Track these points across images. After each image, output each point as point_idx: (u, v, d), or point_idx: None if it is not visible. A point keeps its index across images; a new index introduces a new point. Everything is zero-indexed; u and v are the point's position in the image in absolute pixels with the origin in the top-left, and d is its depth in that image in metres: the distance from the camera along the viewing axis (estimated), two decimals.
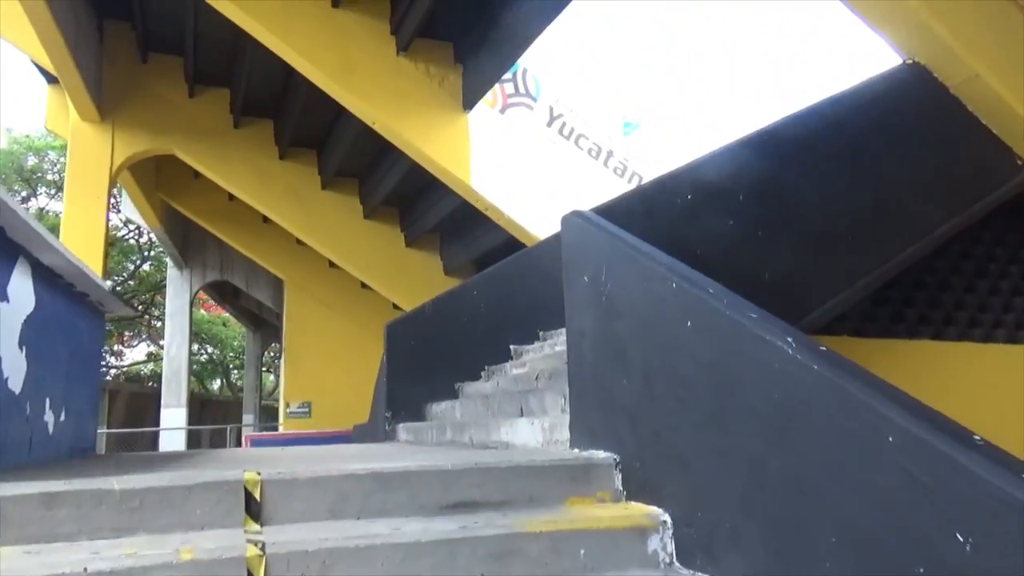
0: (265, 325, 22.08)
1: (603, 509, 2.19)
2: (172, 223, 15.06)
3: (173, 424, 16.25)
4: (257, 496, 2.00)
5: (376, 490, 2.09)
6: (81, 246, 9.34)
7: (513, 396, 4.00)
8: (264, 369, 28.34)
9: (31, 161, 19.81)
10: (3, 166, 19.20)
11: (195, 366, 26.90)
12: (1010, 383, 4.14)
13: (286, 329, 15.07)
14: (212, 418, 22.09)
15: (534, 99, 11.06)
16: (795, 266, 3.45)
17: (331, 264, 13.84)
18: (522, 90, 10.94)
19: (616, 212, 2.99)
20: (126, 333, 25.58)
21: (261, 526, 1.95)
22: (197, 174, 12.30)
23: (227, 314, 26.05)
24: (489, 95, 9.72)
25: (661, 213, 3.17)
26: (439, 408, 5.10)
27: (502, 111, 10.62)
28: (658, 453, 2.18)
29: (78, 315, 4.20)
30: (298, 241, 13.45)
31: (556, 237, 3.07)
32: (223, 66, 10.69)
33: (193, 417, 18.00)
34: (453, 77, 9.00)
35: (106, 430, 15.66)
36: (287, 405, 14.63)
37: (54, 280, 3.65)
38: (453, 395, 5.17)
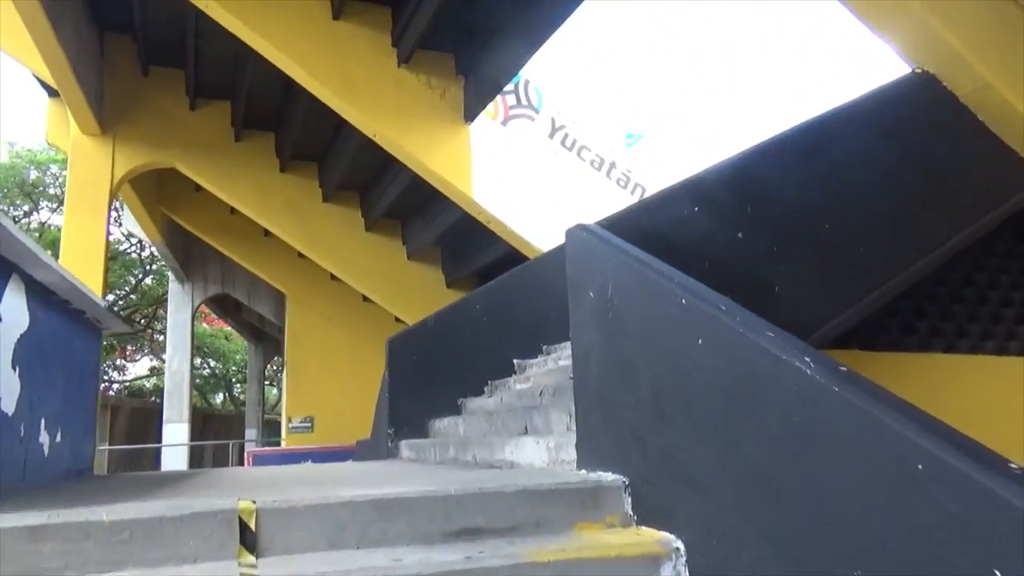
0: (267, 339, 22.02)
1: (613, 535, 2.11)
2: (173, 236, 15.03)
3: (175, 440, 16.15)
4: (252, 526, 1.92)
5: (376, 519, 2.00)
6: (82, 260, 9.32)
7: (517, 413, 3.92)
8: (267, 383, 28.27)
9: (33, 175, 19.81)
10: (5, 180, 19.20)
11: (198, 380, 26.86)
12: None
13: (288, 343, 15.00)
14: (215, 433, 22.00)
15: (536, 111, 11.02)
16: (805, 279, 3.37)
17: (333, 277, 13.78)
18: (524, 102, 10.90)
19: (621, 225, 2.91)
20: (129, 347, 25.53)
21: (256, 558, 1.87)
22: (198, 187, 12.28)
23: (229, 328, 25.98)
24: (491, 107, 9.69)
25: (667, 226, 3.10)
26: (442, 424, 5.02)
27: (504, 123, 10.59)
28: (669, 476, 2.10)
29: (74, 333, 4.13)
30: (299, 254, 13.41)
31: (559, 250, 3.01)
32: (224, 79, 10.68)
33: (196, 432, 17.91)
34: (455, 89, 8.97)
35: (108, 446, 15.58)
36: (289, 420, 14.53)
37: (49, 297, 3.58)
38: (456, 411, 5.09)
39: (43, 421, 3.52)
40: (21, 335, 3.21)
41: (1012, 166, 4.18)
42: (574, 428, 2.80)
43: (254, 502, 1.96)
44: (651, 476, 2.17)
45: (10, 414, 3.10)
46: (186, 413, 16.40)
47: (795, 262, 3.32)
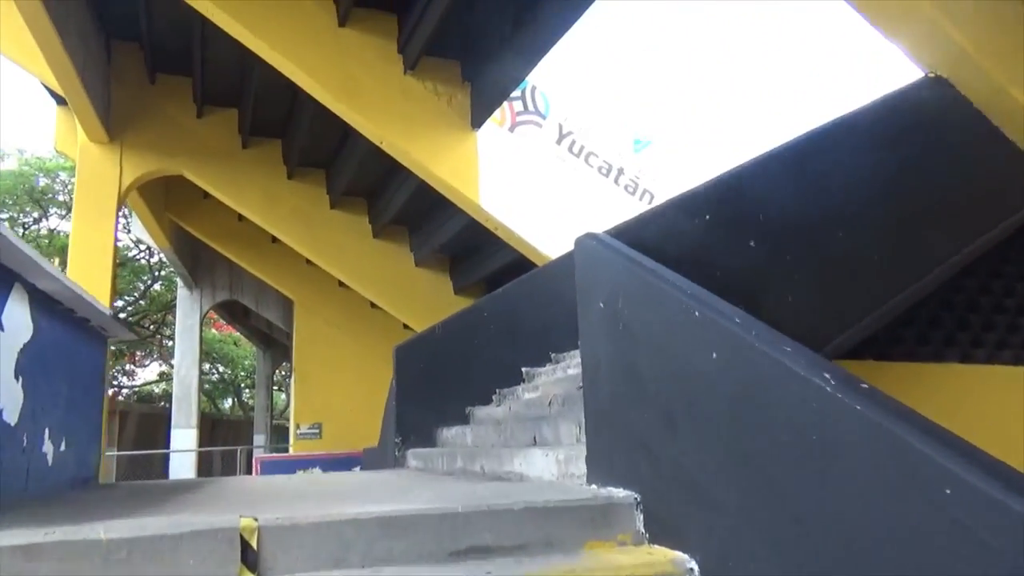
0: (275, 344, 22.03)
1: (625, 554, 2.05)
2: (181, 243, 15.05)
3: (183, 445, 16.15)
4: (254, 544, 1.87)
5: (381, 536, 1.95)
6: (90, 267, 9.33)
7: (526, 423, 3.86)
8: (275, 388, 28.30)
9: (42, 182, 19.89)
10: (14, 187, 19.28)
11: (207, 385, 26.92)
12: None
13: (296, 349, 14.99)
14: (223, 438, 22.00)
15: (543, 117, 10.98)
16: (820, 289, 3.31)
17: (340, 284, 13.77)
18: (531, 108, 10.86)
19: (631, 233, 2.86)
20: (138, 352, 25.61)
21: None
22: (206, 194, 12.28)
23: (238, 333, 26.03)
24: (498, 113, 9.65)
25: (678, 234, 3.04)
26: (450, 433, 4.97)
27: (511, 129, 10.54)
28: (682, 493, 2.04)
29: (79, 341, 4.10)
30: (307, 261, 13.40)
31: (568, 256, 2.96)
32: (231, 87, 10.69)
33: (204, 437, 17.90)
34: (461, 95, 8.94)
35: (116, 452, 15.59)
36: (297, 427, 14.51)
37: (53, 306, 3.55)
38: (464, 420, 5.05)
39: (47, 431, 3.49)
40: (24, 344, 3.18)
41: None
42: (584, 440, 2.75)
43: (256, 519, 1.91)
44: (664, 492, 2.11)
45: (12, 424, 3.07)
46: (194, 419, 16.41)
47: (808, 272, 3.26)
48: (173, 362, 18.12)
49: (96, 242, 9.61)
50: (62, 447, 3.72)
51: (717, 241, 3.09)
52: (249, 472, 14.49)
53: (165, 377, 26.14)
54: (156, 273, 23.34)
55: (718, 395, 1.90)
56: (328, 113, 8.52)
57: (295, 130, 11.10)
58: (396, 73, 8.49)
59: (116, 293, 14.58)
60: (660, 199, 11.39)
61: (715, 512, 1.91)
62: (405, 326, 12.96)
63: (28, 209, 20.43)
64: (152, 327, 24.81)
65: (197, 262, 16.57)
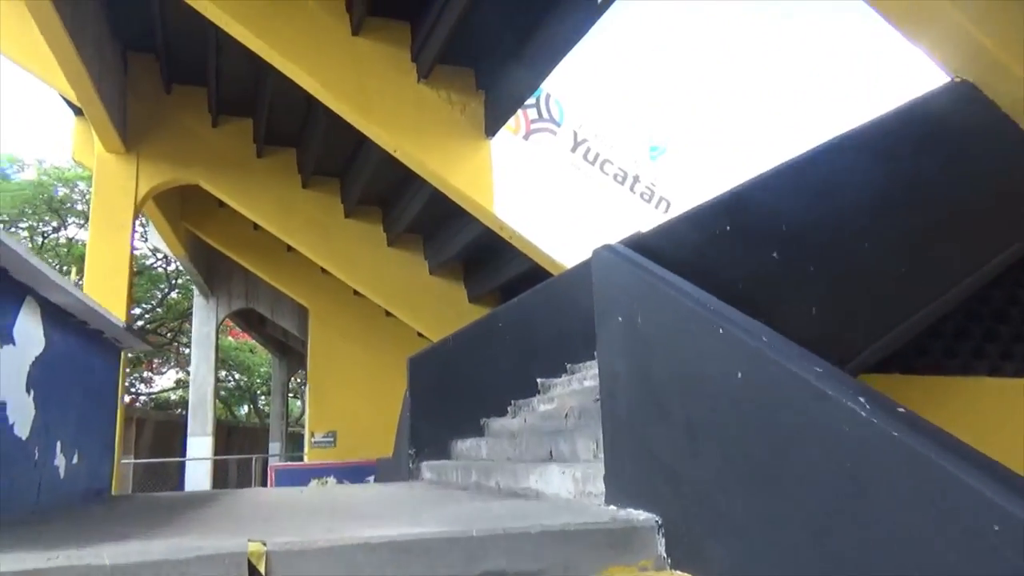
0: (291, 352, 22.10)
1: None
2: (197, 252, 15.12)
3: (199, 453, 16.21)
4: (262, 569, 1.81)
5: (393, 561, 1.89)
6: (107, 276, 9.38)
7: (542, 436, 3.79)
8: (291, 395, 28.38)
9: (61, 192, 20.09)
10: (33, 197, 19.48)
11: (223, 392, 27.06)
12: None
13: (311, 358, 14.99)
14: (239, 446, 22.07)
15: (558, 124, 10.93)
16: (845, 301, 3.22)
17: (355, 292, 13.77)
18: (545, 115, 10.81)
19: (649, 244, 2.78)
20: (155, 360, 25.78)
21: None
22: (222, 204, 12.33)
23: (254, 341, 26.15)
24: (512, 121, 9.61)
25: (697, 245, 2.96)
26: (464, 446, 4.91)
27: (525, 137, 10.50)
28: (706, 517, 1.96)
29: (93, 353, 4.08)
30: (322, 270, 13.41)
31: (583, 266, 2.89)
32: (246, 96, 10.72)
33: (220, 445, 17.96)
34: (475, 104, 8.90)
35: (133, 460, 15.65)
36: (312, 435, 14.49)
37: (66, 319, 3.53)
38: (478, 432, 4.99)
39: (59, 444, 3.47)
40: (36, 357, 3.16)
41: None
42: (601, 456, 2.67)
43: (264, 544, 1.85)
44: (687, 516, 2.03)
45: (24, 438, 3.05)
46: (210, 427, 16.47)
47: (831, 284, 3.17)
48: (189, 369, 18.20)
49: (113, 251, 9.66)
50: (74, 460, 3.70)
51: (737, 252, 3.01)
52: (264, 480, 14.48)
53: (182, 384, 26.28)
54: (173, 281, 23.50)
55: (744, 416, 1.82)
56: (342, 122, 8.52)
57: (309, 139, 11.12)
58: (410, 82, 8.47)
59: (133, 301, 14.64)
60: (676, 207, 11.33)
61: (740, 539, 1.83)
62: (419, 334, 12.93)
63: (47, 219, 20.64)
64: (169, 335, 24.97)
65: (213, 270, 16.64)
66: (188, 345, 20.77)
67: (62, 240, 21.45)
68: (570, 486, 2.86)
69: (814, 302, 3.06)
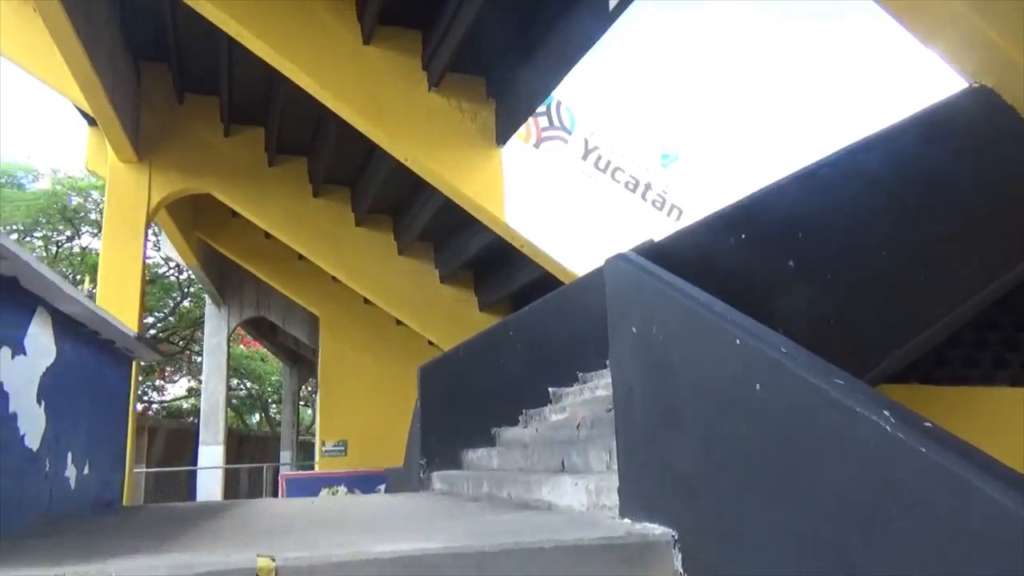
0: (302, 361, 22.13)
1: None
2: (209, 261, 15.18)
3: (211, 462, 16.22)
4: None
5: None
6: (119, 284, 9.43)
7: (554, 447, 3.75)
8: (302, 404, 28.41)
9: (74, 201, 20.23)
10: (47, 207, 19.63)
11: (234, 401, 27.11)
12: None
13: (321, 366, 14.99)
14: (250, 455, 22.09)
15: (569, 132, 10.90)
16: (864, 310, 3.16)
17: (366, 301, 13.77)
18: (556, 123, 10.79)
19: (664, 253, 2.74)
20: (168, 368, 25.88)
21: None
22: (233, 213, 12.38)
23: (265, 350, 26.21)
24: (523, 129, 9.60)
25: (713, 254, 2.92)
26: (475, 456, 4.88)
27: (536, 145, 10.48)
28: (724, 533, 1.91)
29: (104, 363, 4.08)
30: (333, 278, 13.42)
31: (594, 274, 2.86)
32: (257, 105, 10.77)
33: (231, 453, 17.98)
34: (486, 112, 8.89)
35: (145, 469, 15.68)
36: (323, 444, 14.48)
37: (77, 328, 3.53)
38: (490, 441, 4.95)
39: (70, 454, 3.46)
40: (47, 368, 3.15)
41: None
42: (615, 467, 2.63)
43: (273, 560, 1.82)
44: (704, 531, 1.98)
45: (35, 449, 3.04)
46: (221, 435, 16.49)
47: (853, 292, 3.11)
48: (201, 378, 18.25)
49: (126, 260, 9.70)
50: (85, 470, 3.69)
51: (753, 261, 2.97)
52: (275, 489, 14.47)
53: (194, 392, 26.37)
54: (185, 290, 23.61)
55: (763, 430, 1.77)
56: (353, 131, 8.53)
57: (320, 148, 11.14)
58: (420, 90, 8.48)
59: (145, 310, 14.70)
60: (689, 214, 11.28)
61: (761, 558, 1.78)
62: (430, 343, 12.91)
63: (61, 228, 20.78)
64: (181, 343, 25.07)
65: (225, 279, 16.70)
66: (200, 353, 20.84)
67: (76, 249, 21.59)
68: (583, 498, 2.82)
69: (832, 312, 3.01)
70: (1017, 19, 3.72)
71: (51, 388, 3.13)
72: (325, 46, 7.90)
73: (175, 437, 18.89)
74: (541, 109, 10.22)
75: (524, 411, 4.93)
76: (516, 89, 8.61)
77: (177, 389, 28.34)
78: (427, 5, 8.02)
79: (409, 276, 12.95)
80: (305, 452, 24.17)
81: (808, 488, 1.63)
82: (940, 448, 1.33)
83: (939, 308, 3.35)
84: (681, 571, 2.03)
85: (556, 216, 9.56)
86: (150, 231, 11.64)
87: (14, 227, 19.40)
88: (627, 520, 2.37)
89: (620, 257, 2.56)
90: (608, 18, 7.11)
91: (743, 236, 2.98)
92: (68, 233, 21.13)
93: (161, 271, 22.37)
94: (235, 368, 24.88)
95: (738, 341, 1.86)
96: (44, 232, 20.73)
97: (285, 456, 21.05)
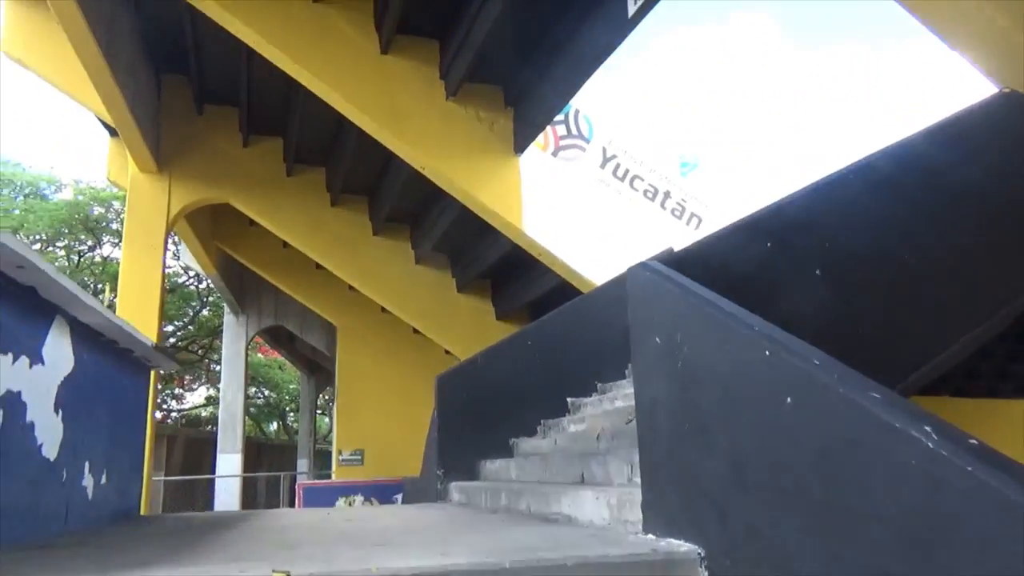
0: (319, 370, 22.20)
1: None
2: (228, 270, 15.27)
3: (229, 470, 16.27)
4: None
5: None
6: (139, 293, 9.49)
7: (573, 459, 3.69)
8: (319, 412, 28.49)
9: (96, 211, 20.46)
10: (70, 217, 19.86)
11: (252, 409, 27.23)
12: None
13: (339, 375, 15.00)
14: (268, 463, 22.16)
15: (587, 140, 10.86)
16: (894, 321, 3.08)
17: (383, 310, 13.78)
18: (574, 131, 10.76)
19: (687, 262, 2.69)
20: (186, 377, 26.05)
21: None
22: (252, 222, 12.45)
23: (283, 358, 26.33)
24: (541, 138, 9.57)
25: (737, 263, 2.85)
26: (493, 467, 4.82)
27: (554, 153, 10.45)
28: (753, 552, 1.84)
29: (122, 372, 4.07)
30: (350, 287, 13.44)
31: (614, 284, 2.80)
32: (276, 116, 10.84)
33: (250, 462, 18.04)
34: (504, 121, 8.88)
35: (164, 477, 15.76)
36: (340, 452, 14.47)
37: (96, 338, 3.52)
38: (508, 452, 4.89)
39: (87, 464, 3.45)
40: (65, 377, 3.15)
41: None
42: (637, 480, 2.57)
43: (288, 574, 1.78)
44: (732, 550, 1.92)
45: (52, 459, 3.02)
46: (240, 444, 16.55)
47: (882, 303, 3.03)
48: (220, 386, 18.35)
49: (145, 269, 9.77)
50: (103, 480, 3.67)
51: (780, 270, 2.90)
52: (292, 498, 14.48)
53: (212, 401, 26.52)
54: (204, 299, 23.78)
55: (796, 447, 1.71)
56: (371, 140, 8.54)
57: (339, 157, 11.19)
58: (438, 99, 8.49)
59: (164, 319, 14.81)
60: (708, 223, 11.18)
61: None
62: (447, 352, 12.88)
63: (83, 238, 21.02)
64: (200, 352, 25.23)
65: (243, 288, 16.79)
66: (219, 362, 20.96)
67: (97, 259, 21.83)
68: (604, 512, 2.75)
69: (862, 322, 2.94)
70: None
71: (69, 398, 3.12)
72: (343, 56, 7.93)
73: (194, 445, 18.98)
74: (559, 117, 10.19)
75: (542, 421, 4.88)
76: (534, 98, 8.59)
77: (196, 397, 28.53)
78: (445, 14, 8.04)
79: (426, 285, 12.95)
80: (322, 461, 24.21)
81: (847, 509, 1.56)
82: (989, 469, 1.27)
83: (969, 319, 3.26)
84: None
85: (574, 225, 9.51)
86: (170, 240, 11.73)
87: (37, 237, 19.64)
88: (651, 536, 2.31)
89: (643, 266, 2.51)
90: (626, 26, 7.07)
91: (768, 244, 2.91)
92: (90, 243, 21.36)
93: (180, 280, 22.55)
94: (253, 376, 25.02)
95: (768, 352, 1.80)
96: (66, 242, 20.98)
97: (302, 465, 21.09)
